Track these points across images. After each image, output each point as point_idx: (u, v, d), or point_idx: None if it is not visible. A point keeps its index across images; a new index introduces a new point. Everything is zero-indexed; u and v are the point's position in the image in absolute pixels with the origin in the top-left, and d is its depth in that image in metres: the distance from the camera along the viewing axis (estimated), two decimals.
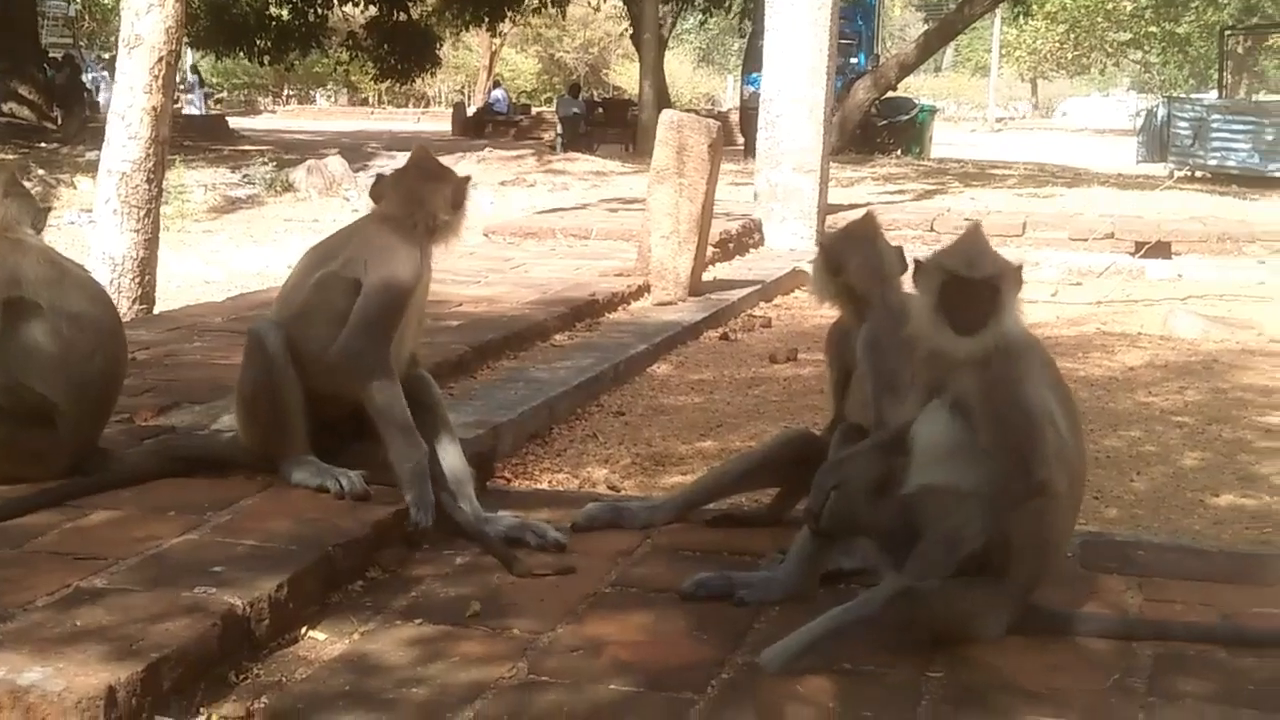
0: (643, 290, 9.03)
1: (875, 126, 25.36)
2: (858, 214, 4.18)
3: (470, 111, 38.42)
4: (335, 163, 18.00)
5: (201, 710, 2.94)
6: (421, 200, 4.23)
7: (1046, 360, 3.46)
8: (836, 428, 4.03)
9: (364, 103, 54.93)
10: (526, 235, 11.60)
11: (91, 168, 13.23)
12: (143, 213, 8.69)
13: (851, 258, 4.00)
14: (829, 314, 4.29)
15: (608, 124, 30.82)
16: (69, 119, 25.96)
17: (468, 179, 4.34)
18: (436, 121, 41.61)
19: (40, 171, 17.01)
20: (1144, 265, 11.70)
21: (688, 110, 14.94)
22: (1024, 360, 3.33)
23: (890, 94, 25.44)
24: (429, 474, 4.03)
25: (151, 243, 8.81)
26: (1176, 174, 22.34)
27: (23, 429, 4.09)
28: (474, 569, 3.85)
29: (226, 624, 3.12)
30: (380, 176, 4.41)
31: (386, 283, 4.09)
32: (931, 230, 12.25)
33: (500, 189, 16.43)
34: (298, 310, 4.19)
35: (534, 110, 39.96)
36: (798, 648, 3.17)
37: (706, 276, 9.61)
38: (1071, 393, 3.53)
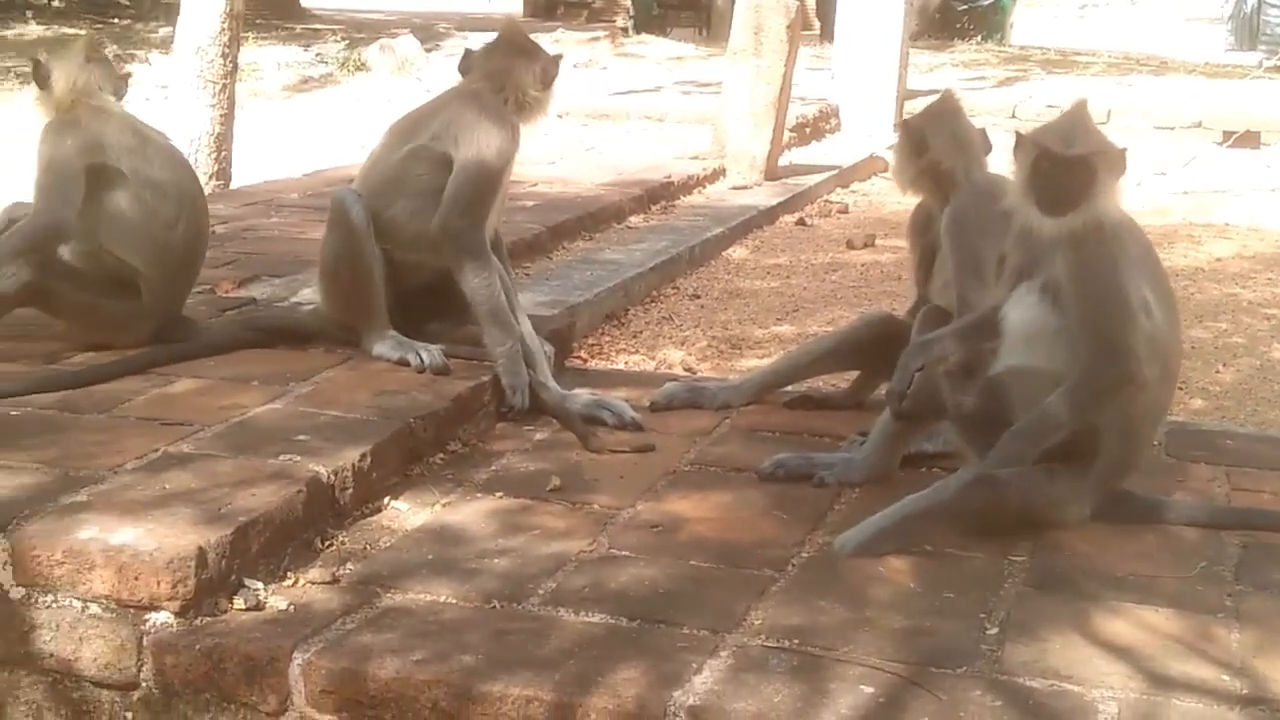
0: (718, 174, 8.93)
1: (955, 11, 24.76)
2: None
3: None
4: (407, 42, 17.76)
5: (289, 574, 2.98)
6: (511, 76, 4.18)
7: (1145, 247, 3.36)
8: (919, 310, 3.97)
9: None
10: (601, 117, 11.49)
11: (165, 43, 13.21)
12: (218, 88, 8.65)
13: (935, 136, 3.92)
14: (907, 201, 4.21)
15: (681, 6, 30.25)
16: None
17: (559, 57, 4.29)
18: (508, 2, 41.13)
19: (113, 47, 16.98)
20: (1232, 155, 11.41)
21: None
22: (1119, 245, 3.23)
23: None
24: (522, 357, 4.04)
25: (227, 118, 8.78)
26: (1266, 63, 21.68)
27: (108, 296, 4.14)
28: (553, 445, 3.86)
29: (311, 491, 3.15)
30: (469, 51, 4.35)
31: (480, 159, 4.06)
32: (1013, 117, 11.97)
33: (574, 71, 16.26)
34: (383, 183, 4.17)
35: None
36: (871, 534, 3.15)
37: (783, 161, 9.48)
38: (1169, 281, 3.45)
